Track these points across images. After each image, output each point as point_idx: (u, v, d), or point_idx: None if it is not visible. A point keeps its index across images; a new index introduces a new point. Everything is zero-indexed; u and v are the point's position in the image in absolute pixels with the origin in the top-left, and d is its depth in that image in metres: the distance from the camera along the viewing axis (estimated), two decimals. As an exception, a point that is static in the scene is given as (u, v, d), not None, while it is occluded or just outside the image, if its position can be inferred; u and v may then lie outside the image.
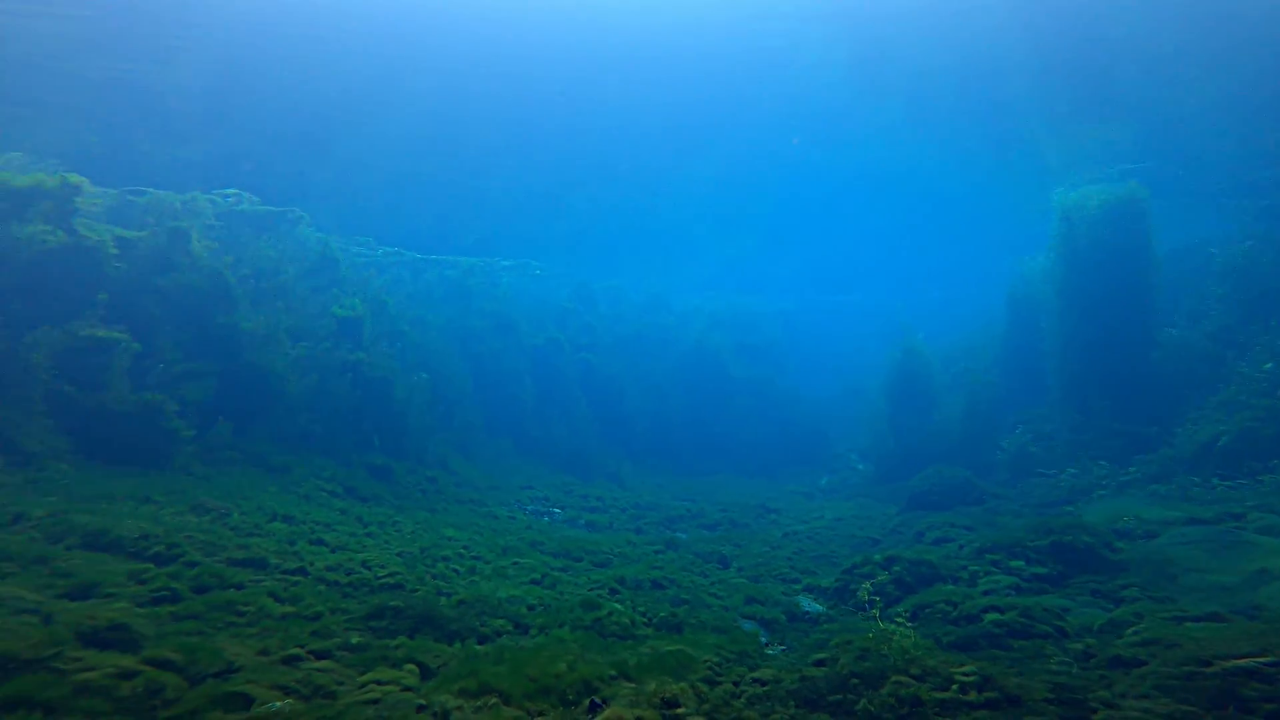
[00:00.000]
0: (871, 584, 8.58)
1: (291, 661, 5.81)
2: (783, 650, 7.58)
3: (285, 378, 13.07)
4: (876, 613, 7.54)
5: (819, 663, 6.12)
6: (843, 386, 31.82)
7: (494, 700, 5.41)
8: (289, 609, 6.73)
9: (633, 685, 5.73)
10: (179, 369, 11.25)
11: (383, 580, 8.26)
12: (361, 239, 27.76)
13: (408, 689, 5.67)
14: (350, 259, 22.12)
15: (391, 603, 7.23)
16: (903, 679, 5.28)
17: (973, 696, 5.04)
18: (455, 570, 9.39)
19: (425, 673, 6.06)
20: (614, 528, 14.76)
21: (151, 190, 17.93)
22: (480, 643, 6.94)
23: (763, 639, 7.96)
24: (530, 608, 8.05)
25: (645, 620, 8.05)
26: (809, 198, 36.13)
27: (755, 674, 6.11)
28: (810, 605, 9.35)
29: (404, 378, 16.38)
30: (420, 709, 5.23)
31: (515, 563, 10.19)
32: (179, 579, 6.32)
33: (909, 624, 7.02)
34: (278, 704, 4.92)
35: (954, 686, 5.16)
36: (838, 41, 21.06)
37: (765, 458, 24.64)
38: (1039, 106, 23.32)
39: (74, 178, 11.41)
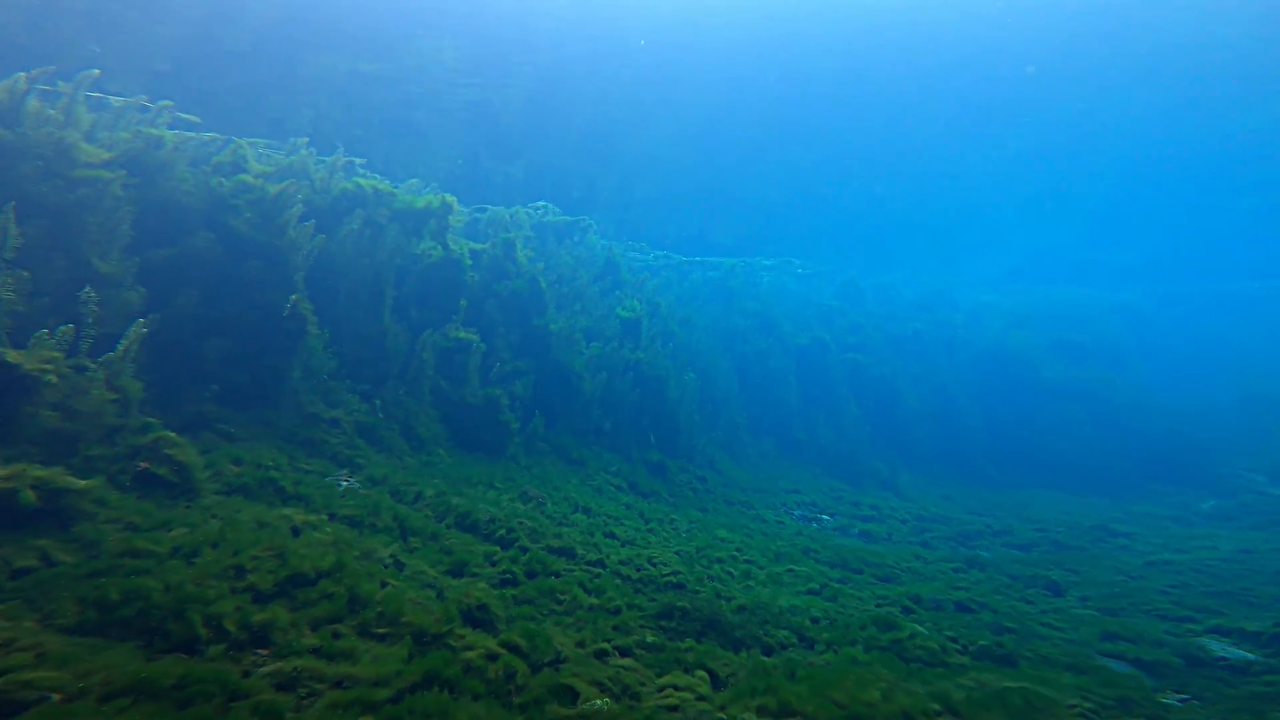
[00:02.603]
0: None
1: (601, 656, 6.40)
2: (1188, 702, 6.38)
3: (582, 375, 14.76)
4: None
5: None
6: (1238, 393, 26.55)
7: (799, 725, 5.26)
8: (595, 600, 7.46)
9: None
10: (509, 367, 13.47)
11: (667, 578, 8.71)
12: (636, 244, 30.18)
13: (702, 698, 5.81)
14: (628, 263, 24.12)
15: (679, 603, 7.55)
16: None
17: None
18: (730, 573, 9.53)
19: (715, 681, 6.16)
20: (893, 539, 13.90)
21: (490, 206, 21.73)
22: (765, 653, 6.92)
23: (1149, 685, 6.72)
24: (814, 620, 7.83)
25: (958, 647, 7.32)
26: (1173, 168, 28.57)
27: (1165, 731, 5.01)
28: (1229, 651, 7.79)
29: (676, 377, 17.29)
30: (723, 725, 5.31)
31: (789, 570, 10.04)
32: (516, 563, 7.47)
33: None
34: (599, 702, 5.44)
35: None
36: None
37: (1099, 473, 21.30)
38: None
39: (449, 198, 13.69)
